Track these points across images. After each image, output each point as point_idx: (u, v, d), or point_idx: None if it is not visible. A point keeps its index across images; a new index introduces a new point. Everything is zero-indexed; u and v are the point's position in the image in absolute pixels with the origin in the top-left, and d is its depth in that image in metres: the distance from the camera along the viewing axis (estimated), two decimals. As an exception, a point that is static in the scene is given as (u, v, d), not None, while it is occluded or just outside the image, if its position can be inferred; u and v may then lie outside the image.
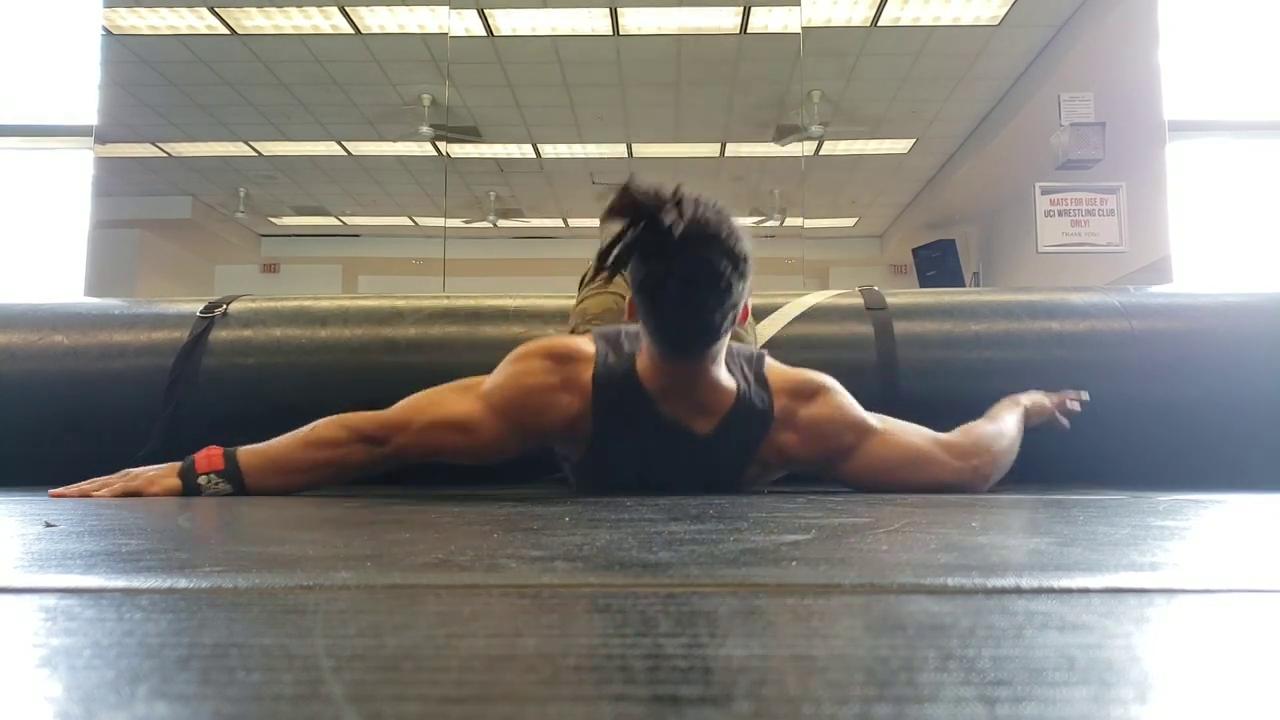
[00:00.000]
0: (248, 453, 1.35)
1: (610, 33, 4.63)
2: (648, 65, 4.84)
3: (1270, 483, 1.65)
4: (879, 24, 4.56)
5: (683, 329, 1.25)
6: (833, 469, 1.40)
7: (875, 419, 1.41)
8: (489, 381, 1.37)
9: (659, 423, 1.31)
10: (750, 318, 1.86)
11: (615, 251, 1.17)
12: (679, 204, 1.17)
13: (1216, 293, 2.12)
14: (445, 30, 4.60)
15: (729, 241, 1.20)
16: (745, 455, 1.36)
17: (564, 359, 1.34)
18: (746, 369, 1.37)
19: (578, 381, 1.32)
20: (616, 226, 1.18)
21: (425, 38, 4.66)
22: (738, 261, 1.21)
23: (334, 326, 2.01)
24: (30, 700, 0.28)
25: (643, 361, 1.32)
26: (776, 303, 2.01)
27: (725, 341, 1.30)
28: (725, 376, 1.33)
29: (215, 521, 0.97)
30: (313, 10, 4.53)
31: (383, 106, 5.01)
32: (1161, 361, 1.91)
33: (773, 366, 1.41)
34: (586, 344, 1.37)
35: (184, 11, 4.55)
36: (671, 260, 1.18)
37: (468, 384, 1.39)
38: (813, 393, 1.37)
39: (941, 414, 1.90)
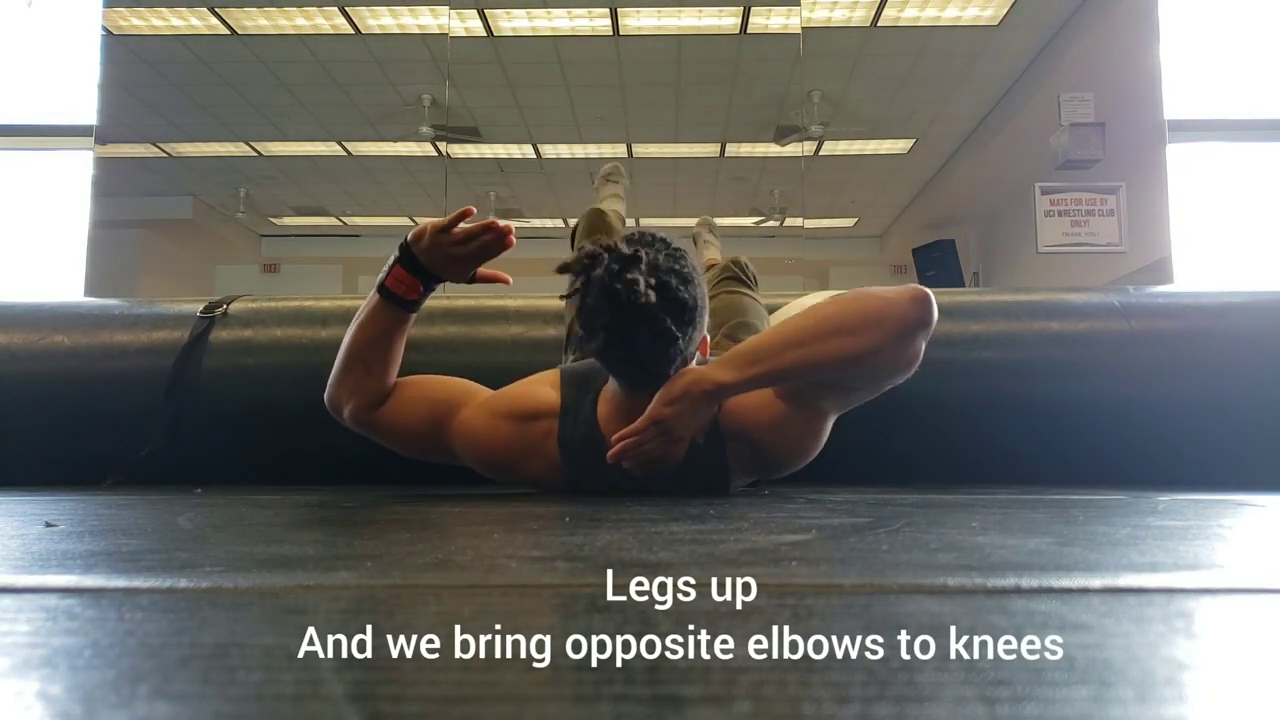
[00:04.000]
0: None
1: (610, 33, 4.63)
2: (648, 66, 4.84)
3: (1271, 483, 1.65)
4: (879, 24, 4.56)
5: (631, 375, 1.25)
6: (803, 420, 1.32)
7: None
8: (468, 415, 1.35)
9: (630, 476, 1.30)
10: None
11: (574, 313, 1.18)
12: (619, 262, 1.14)
13: (1216, 293, 2.12)
14: (445, 30, 4.59)
15: (673, 295, 1.16)
16: (722, 475, 1.33)
17: (530, 418, 1.33)
18: None
19: (545, 445, 1.32)
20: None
21: (425, 38, 4.66)
22: (681, 315, 1.18)
23: (334, 326, 2.01)
24: (30, 700, 0.28)
25: (604, 407, 1.30)
26: (776, 303, 2.01)
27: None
28: None
29: (215, 521, 0.97)
30: (313, 10, 4.52)
31: (383, 106, 5.00)
32: (1161, 361, 1.91)
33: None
34: (551, 393, 1.35)
35: (184, 12, 4.55)
36: (611, 319, 1.15)
37: (468, 392, 1.39)
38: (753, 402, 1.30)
39: (942, 414, 1.91)
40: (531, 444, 1.33)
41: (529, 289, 2.22)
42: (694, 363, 1.26)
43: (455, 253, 1.28)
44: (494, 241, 1.27)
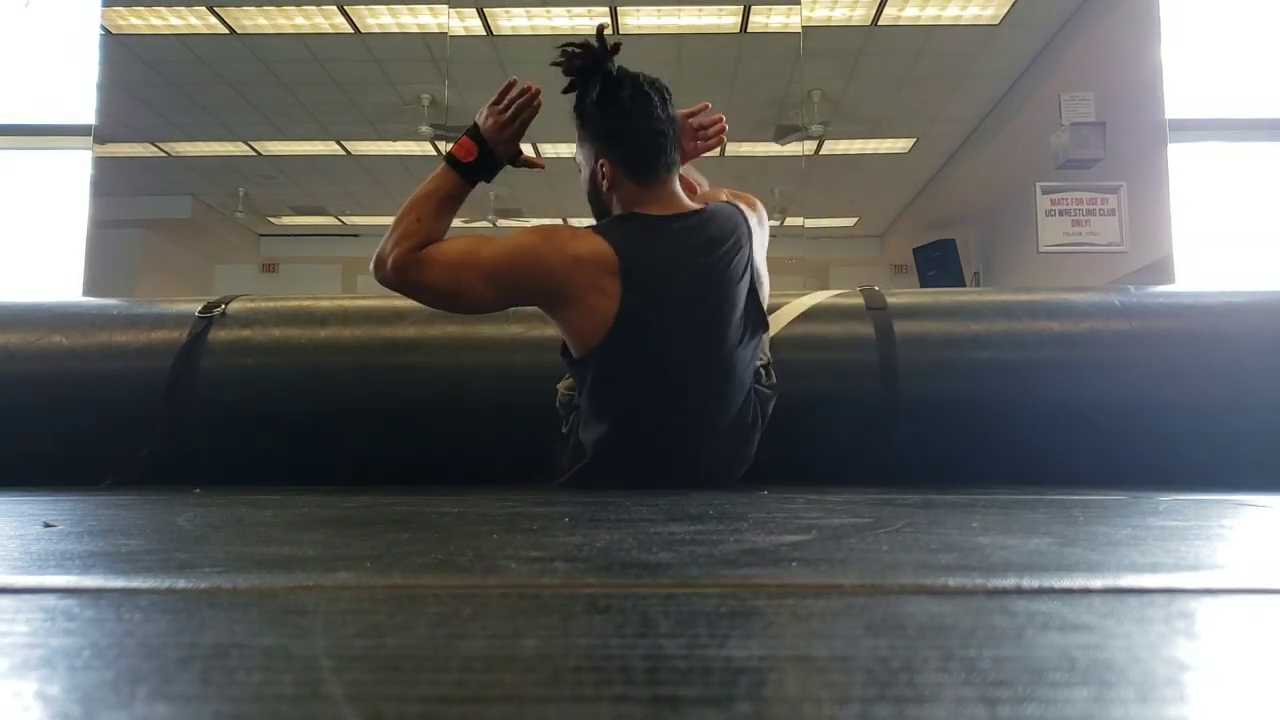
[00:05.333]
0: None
1: (610, 33, 4.63)
2: (648, 65, 4.81)
3: (1271, 483, 1.65)
4: (879, 24, 4.55)
5: (645, 133, 1.55)
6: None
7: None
8: (520, 238, 1.56)
9: (657, 220, 1.55)
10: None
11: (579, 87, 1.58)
12: (606, 49, 1.57)
13: (1217, 293, 2.12)
14: (445, 29, 4.59)
15: (649, 77, 1.61)
16: (738, 225, 1.59)
17: (563, 232, 1.57)
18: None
19: (582, 234, 1.54)
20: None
21: (425, 37, 4.65)
22: (662, 89, 1.61)
23: (334, 326, 2.01)
24: (29, 701, 0.28)
25: (619, 210, 1.59)
26: (777, 303, 2.01)
27: (677, 170, 1.62)
28: (688, 200, 1.62)
29: (215, 522, 0.97)
30: (312, 10, 4.52)
31: (383, 106, 5.00)
32: (1161, 361, 1.91)
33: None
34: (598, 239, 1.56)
35: (183, 11, 4.54)
36: (620, 83, 1.57)
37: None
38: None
39: (942, 414, 1.91)
40: (570, 236, 1.53)
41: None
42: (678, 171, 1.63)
43: (501, 118, 1.57)
44: (525, 101, 1.58)
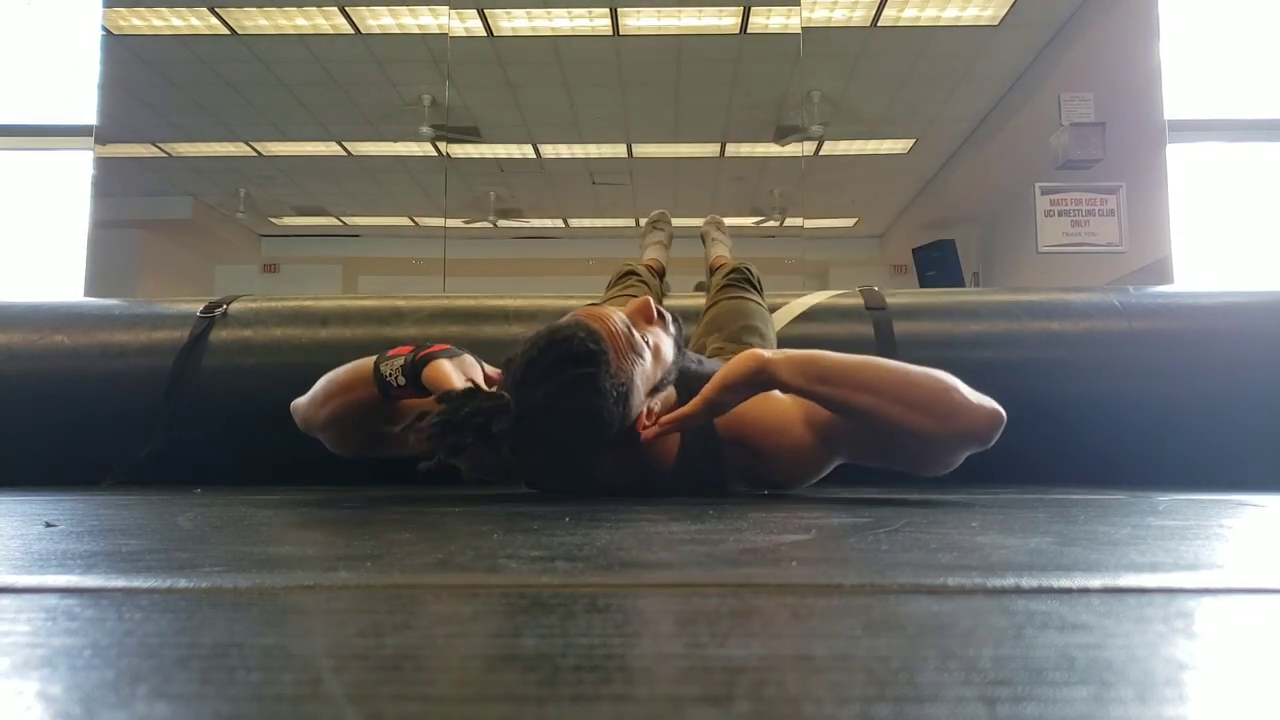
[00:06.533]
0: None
1: (610, 33, 4.63)
2: (648, 65, 4.83)
3: (1271, 483, 1.65)
4: (879, 24, 4.56)
5: (566, 473, 1.25)
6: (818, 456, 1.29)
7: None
8: None
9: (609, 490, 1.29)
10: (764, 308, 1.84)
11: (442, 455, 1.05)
12: (504, 403, 1.08)
13: (1216, 293, 2.12)
14: (445, 30, 4.59)
15: (574, 403, 1.13)
16: (714, 483, 1.30)
17: None
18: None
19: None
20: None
21: (425, 38, 4.66)
22: (593, 437, 1.16)
23: (334, 326, 2.01)
24: (30, 700, 0.28)
25: None
26: (776, 303, 2.01)
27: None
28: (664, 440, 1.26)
29: (215, 521, 0.97)
30: (313, 10, 4.52)
31: (383, 106, 5.00)
32: (1161, 361, 1.91)
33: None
34: None
35: (184, 12, 4.55)
36: (526, 441, 1.12)
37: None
38: (764, 430, 1.28)
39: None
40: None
41: (529, 289, 2.22)
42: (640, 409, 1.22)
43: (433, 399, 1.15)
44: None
